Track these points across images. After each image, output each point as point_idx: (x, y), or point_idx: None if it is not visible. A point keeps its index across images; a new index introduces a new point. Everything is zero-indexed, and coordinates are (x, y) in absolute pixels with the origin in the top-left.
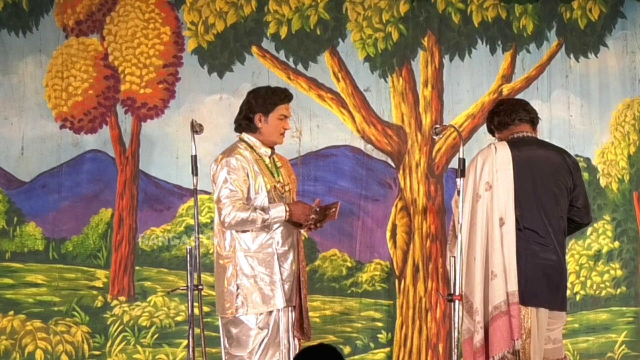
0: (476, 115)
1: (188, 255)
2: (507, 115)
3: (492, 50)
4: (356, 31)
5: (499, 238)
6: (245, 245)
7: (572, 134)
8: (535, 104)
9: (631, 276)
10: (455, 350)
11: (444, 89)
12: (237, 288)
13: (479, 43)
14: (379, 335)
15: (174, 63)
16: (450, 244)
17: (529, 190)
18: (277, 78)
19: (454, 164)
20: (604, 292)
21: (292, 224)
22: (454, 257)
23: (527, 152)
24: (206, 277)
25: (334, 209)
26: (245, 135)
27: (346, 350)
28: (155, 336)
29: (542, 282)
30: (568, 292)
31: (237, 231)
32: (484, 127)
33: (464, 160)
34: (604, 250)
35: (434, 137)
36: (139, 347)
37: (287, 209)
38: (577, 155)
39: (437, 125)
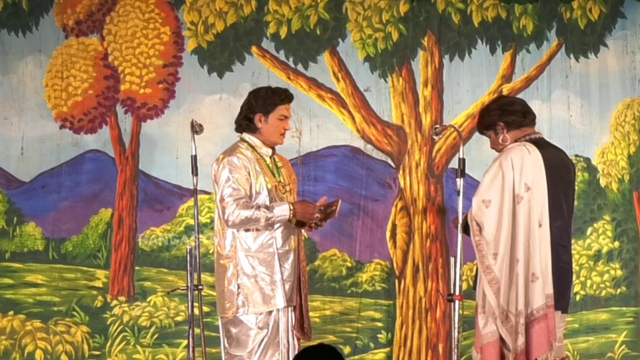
0: (476, 115)
1: (188, 255)
2: (523, 115)
3: (492, 50)
4: (356, 31)
5: (538, 240)
6: (245, 245)
7: (572, 134)
8: (535, 104)
9: (631, 276)
10: (456, 350)
11: (444, 89)
12: (238, 288)
13: (479, 43)
14: (379, 335)
15: (173, 63)
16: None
17: (556, 192)
18: (277, 78)
19: (454, 164)
20: (604, 292)
21: (295, 223)
22: (454, 257)
23: (548, 153)
24: (206, 277)
25: (334, 207)
26: (246, 135)
27: (346, 350)
28: (155, 336)
29: (564, 285)
30: None
31: (238, 230)
32: None
33: (464, 160)
34: (604, 250)
35: (434, 137)
36: (138, 347)
37: (291, 207)
38: (577, 155)
39: (437, 125)
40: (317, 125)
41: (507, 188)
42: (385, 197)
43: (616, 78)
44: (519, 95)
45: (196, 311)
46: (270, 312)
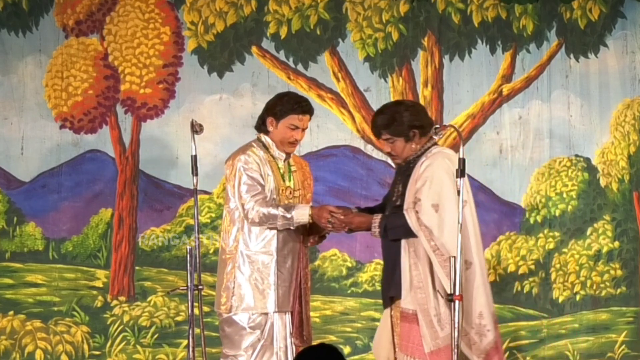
0: (476, 116)
1: (188, 255)
2: (430, 122)
3: (492, 50)
4: (356, 31)
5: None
6: (246, 244)
7: (572, 134)
8: (535, 104)
9: (631, 276)
10: (456, 350)
11: (444, 89)
12: (234, 285)
13: (479, 43)
14: None
15: (173, 63)
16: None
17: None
18: (277, 78)
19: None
20: (604, 292)
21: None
22: (454, 257)
23: None
24: (206, 277)
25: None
26: (262, 136)
27: (346, 350)
28: (155, 336)
29: None
30: (568, 292)
31: (242, 228)
32: (484, 127)
33: (464, 160)
34: (604, 250)
35: (434, 137)
36: (139, 347)
37: (310, 212)
38: (577, 155)
39: (437, 125)
40: (317, 125)
41: (454, 192)
42: None
43: (616, 78)
44: (519, 96)
45: (196, 311)
46: (265, 315)
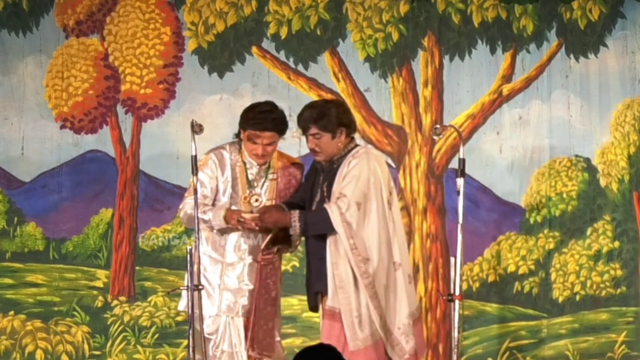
0: (476, 116)
1: (188, 255)
2: (355, 124)
3: (492, 51)
4: (356, 31)
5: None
6: (203, 244)
7: (572, 134)
8: (535, 104)
9: (631, 276)
10: (456, 350)
11: (444, 89)
12: (202, 287)
13: (479, 43)
14: None
15: (174, 63)
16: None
17: None
18: (277, 78)
19: (454, 164)
20: (604, 292)
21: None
22: (454, 257)
23: None
24: None
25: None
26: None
27: None
28: (156, 336)
29: None
30: (568, 292)
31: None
32: (484, 127)
33: (464, 160)
34: (604, 250)
35: (434, 137)
36: (139, 347)
37: (225, 214)
38: (577, 156)
39: (437, 126)
40: None
41: (378, 192)
42: None
43: (616, 78)
44: (519, 96)
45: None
46: (217, 317)
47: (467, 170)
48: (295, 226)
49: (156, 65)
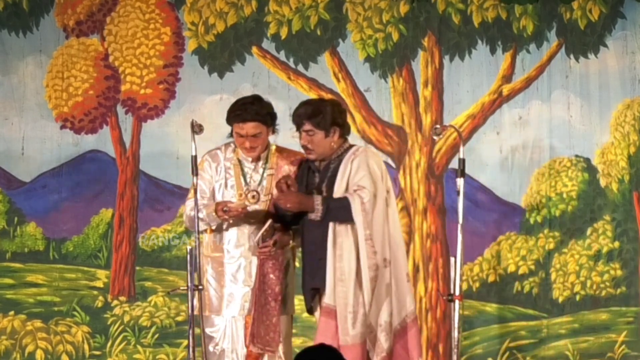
0: (476, 116)
1: (188, 256)
2: (348, 126)
3: (492, 51)
4: (356, 31)
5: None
6: (205, 246)
7: (572, 134)
8: (535, 104)
9: (631, 276)
10: (456, 350)
11: (444, 89)
12: (202, 288)
13: (479, 43)
14: None
15: (174, 63)
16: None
17: None
18: (277, 78)
19: (454, 164)
20: (604, 292)
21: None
22: (454, 257)
23: None
24: None
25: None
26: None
27: None
28: (156, 336)
29: None
30: (568, 292)
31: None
32: (484, 127)
33: (464, 160)
34: (604, 250)
35: (434, 137)
36: (139, 347)
37: (214, 207)
38: (577, 156)
39: (437, 126)
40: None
41: (381, 189)
42: None
43: (616, 78)
44: (519, 96)
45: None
46: (219, 317)
47: (467, 170)
48: (318, 209)
49: (156, 65)
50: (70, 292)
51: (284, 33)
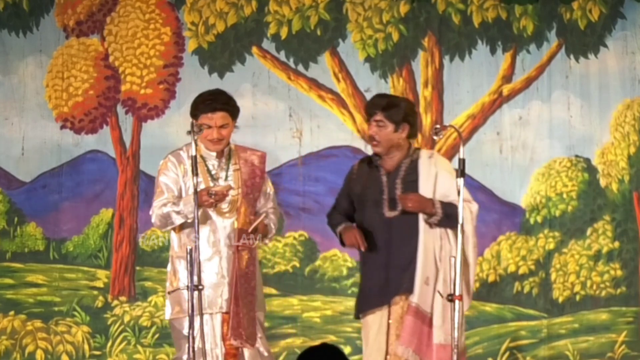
0: (476, 116)
1: (188, 256)
2: (417, 129)
3: (492, 51)
4: (356, 32)
5: None
6: (175, 246)
7: (572, 134)
8: (535, 105)
9: (631, 276)
10: (456, 350)
11: (444, 89)
12: (172, 290)
13: (479, 43)
14: None
15: (174, 63)
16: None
17: None
18: (277, 78)
19: (454, 164)
20: (604, 292)
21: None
22: (454, 257)
23: None
24: None
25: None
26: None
27: (347, 350)
28: (156, 336)
29: None
30: (568, 292)
31: (164, 230)
32: (484, 128)
33: (464, 160)
34: (604, 250)
35: (434, 137)
36: (139, 347)
37: (194, 196)
38: (577, 156)
39: (437, 126)
40: (317, 126)
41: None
42: None
43: (616, 78)
44: (519, 96)
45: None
46: (199, 315)
47: (467, 170)
48: (438, 213)
49: (156, 65)
50: (71, 292)
51: (284, 33)
